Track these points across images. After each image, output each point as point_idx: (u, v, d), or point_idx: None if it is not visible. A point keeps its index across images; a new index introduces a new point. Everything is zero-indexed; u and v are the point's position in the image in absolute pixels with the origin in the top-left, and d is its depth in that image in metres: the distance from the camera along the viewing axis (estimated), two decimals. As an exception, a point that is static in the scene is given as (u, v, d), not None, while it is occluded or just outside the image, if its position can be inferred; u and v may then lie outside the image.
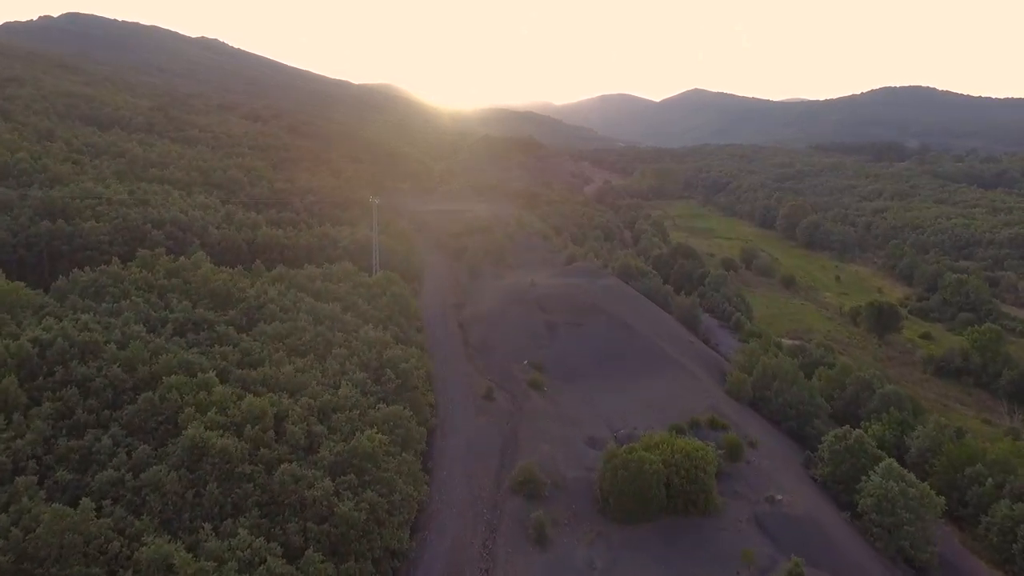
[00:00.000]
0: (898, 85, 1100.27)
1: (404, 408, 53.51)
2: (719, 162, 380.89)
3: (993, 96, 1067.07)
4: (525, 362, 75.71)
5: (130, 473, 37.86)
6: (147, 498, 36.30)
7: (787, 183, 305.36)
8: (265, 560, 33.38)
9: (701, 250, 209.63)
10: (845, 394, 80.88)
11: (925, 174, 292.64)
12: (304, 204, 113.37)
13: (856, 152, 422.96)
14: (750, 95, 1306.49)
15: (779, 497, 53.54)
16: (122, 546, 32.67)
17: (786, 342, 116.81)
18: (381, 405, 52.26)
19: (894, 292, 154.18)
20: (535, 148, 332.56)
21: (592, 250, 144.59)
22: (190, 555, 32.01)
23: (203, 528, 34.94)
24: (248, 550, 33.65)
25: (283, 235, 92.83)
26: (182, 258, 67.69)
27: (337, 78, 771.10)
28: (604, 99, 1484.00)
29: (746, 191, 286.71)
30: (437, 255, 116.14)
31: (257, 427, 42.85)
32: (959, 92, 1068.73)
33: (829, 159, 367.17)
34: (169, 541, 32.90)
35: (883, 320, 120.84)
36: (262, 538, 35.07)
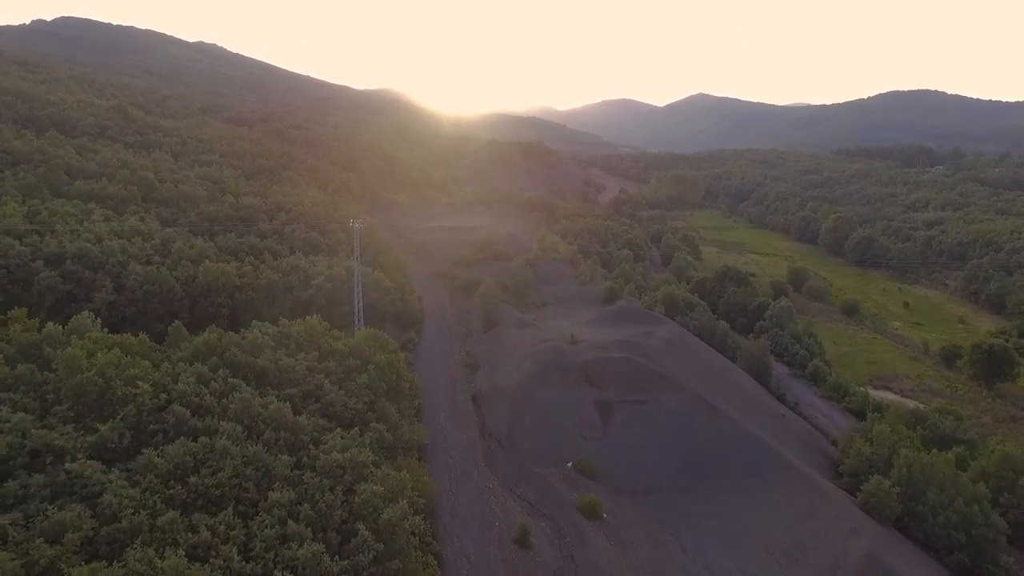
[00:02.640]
0: (905, 89, 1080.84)
1: (387, 614, 30.13)
2: (739, 168, 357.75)
3: (1003, 100, 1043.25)
4: (570, 464, 52.31)
5: None
6: None
7: (817, 191, 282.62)
8: None
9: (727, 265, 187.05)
10: (1018, 500, 57.37)
11: (968, 181, 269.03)
12: (274, 225, 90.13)
13: (882, 157, 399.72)
14: (754, 99, 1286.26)
15: None
16: None
17: (880, 396, 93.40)
18: (344, 620, 28.84)
19: (980, 323, 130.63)
20: (544, 154, 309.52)
21: (624, 275, 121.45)
22: None
23: None
24: None
25: (236, 270, 69.49)
26: (49, 325, 44.14)
27: (337, 83, 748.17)
28: (607, 104, 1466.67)
29: (774, 200, 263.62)
30: (440, 289, 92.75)
31: None
32: (968, 96, 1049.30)
33: (857, 165, 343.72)
34: None
35: (994, 365, 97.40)
36: None
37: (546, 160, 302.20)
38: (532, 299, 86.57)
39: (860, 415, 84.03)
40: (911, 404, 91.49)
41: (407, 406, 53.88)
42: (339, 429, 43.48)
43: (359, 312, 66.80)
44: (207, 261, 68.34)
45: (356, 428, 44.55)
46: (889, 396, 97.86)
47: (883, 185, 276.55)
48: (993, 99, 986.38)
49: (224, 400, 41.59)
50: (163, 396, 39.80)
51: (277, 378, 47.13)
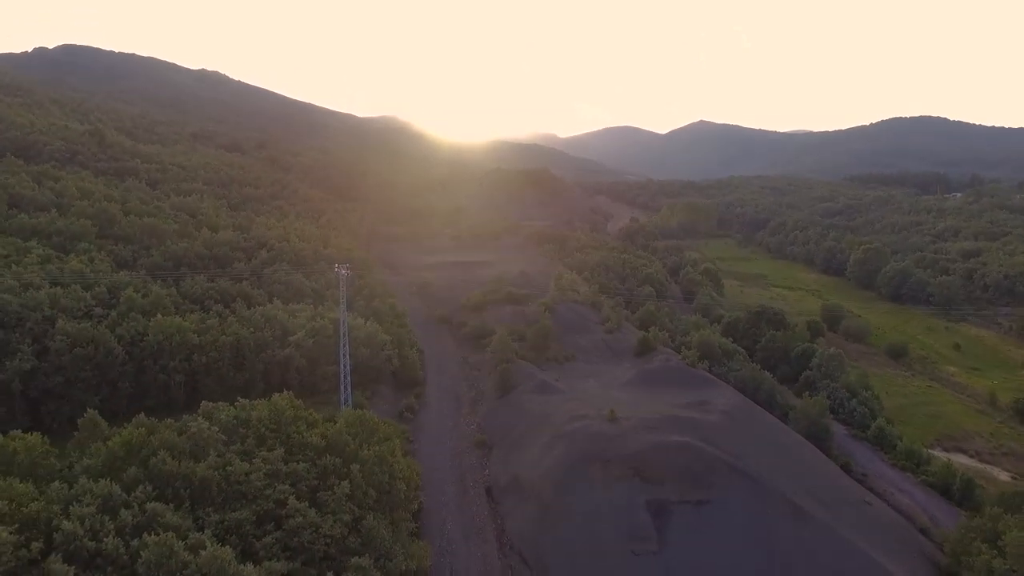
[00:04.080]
0: (907, 115, 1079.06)
1: None
2: (750, 196, 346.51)
3: (1006, 125, 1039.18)
4: (620, 597, 39.07)
5: None
6: None
7: (835, 219, 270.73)
8: None
9: (761, 304, 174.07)
10: None
11: (995, 208, 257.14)
12: (252, 265, 77.74)
13: (897, 184, 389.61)
14: (756, 126, 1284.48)
15: None
16: None
17: (957, 461, 79.71)
18: None
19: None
20: (550, 181, 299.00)
21: (650, 316, 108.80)
22: None
23: None
24: None
25: (195, 325, 56.87)
26: None
27: (341, 111, 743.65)
28: (608, 131, 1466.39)
29: (792, 229, 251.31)
30: (445, 339, 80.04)
31: None
32: (971, 122, 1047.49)
33: (875, 192, 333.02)
34: None
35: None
36: None
37: (552, 188, 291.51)
38: (553, 352, 73.69)
39: (944, 491, 70.55)
40: (1000, 475, 78.04)
41: (403, 516, 40.75)
42: (304, 578, 30.43)
43: (345, 378, 53.94)
44: (160, 314, 55.69)
45: (331, 572, 31.42)
46: (965, 461, 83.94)
47: (904, 213, 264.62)
48: (996, 125, 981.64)
49: (136, 541, 28.59)
50: (37, 545, 26.80)
51: (224, 493, 34.08)
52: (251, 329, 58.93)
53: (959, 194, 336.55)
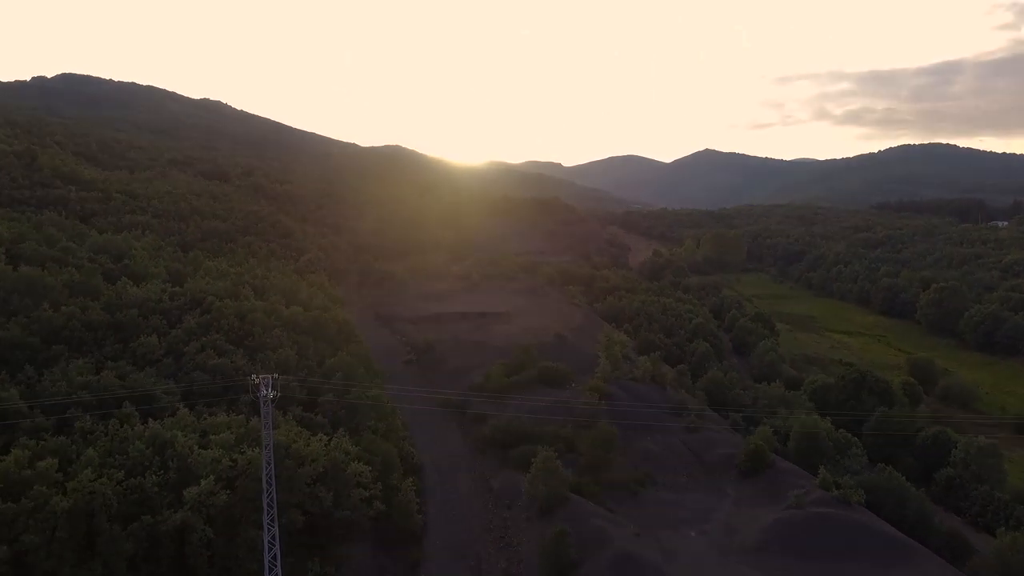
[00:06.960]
0: (916, 143, 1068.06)
1: None
2: (777, 225, 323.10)
3: (1016, 152, 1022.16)
4: None
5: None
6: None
7: (878, 251, 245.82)
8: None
9: (822, 354, 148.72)
10: None
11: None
12: (170, 340, 52.68)
13: (930, 211, 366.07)
14: (761, 154, 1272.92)
15: None
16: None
17: None
18: None
19: None
20: (564, 212, 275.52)
21: (719, 387, 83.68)
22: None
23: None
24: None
25: (8, 475, 31.64)
26: None
27: (345, 140, 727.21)
28: (613, 160, 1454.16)
29: (834, 263, 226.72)
30: (454, 444, 54.44)
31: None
32: (980, 149, 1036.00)
33: (916, 221, 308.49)
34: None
35: None
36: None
37: (566, 218, 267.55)
38: (619, 471, 48.31)
39: None
40: None
41: None
42: None
43: (273, 569, 28.49)
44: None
45: None
46: None
47: (956, 244, 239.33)
48: (1007, 152, 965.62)
49: None
50: None
51: None
52: (122, 472, 33.67)
53: (1004, 222, 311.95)
